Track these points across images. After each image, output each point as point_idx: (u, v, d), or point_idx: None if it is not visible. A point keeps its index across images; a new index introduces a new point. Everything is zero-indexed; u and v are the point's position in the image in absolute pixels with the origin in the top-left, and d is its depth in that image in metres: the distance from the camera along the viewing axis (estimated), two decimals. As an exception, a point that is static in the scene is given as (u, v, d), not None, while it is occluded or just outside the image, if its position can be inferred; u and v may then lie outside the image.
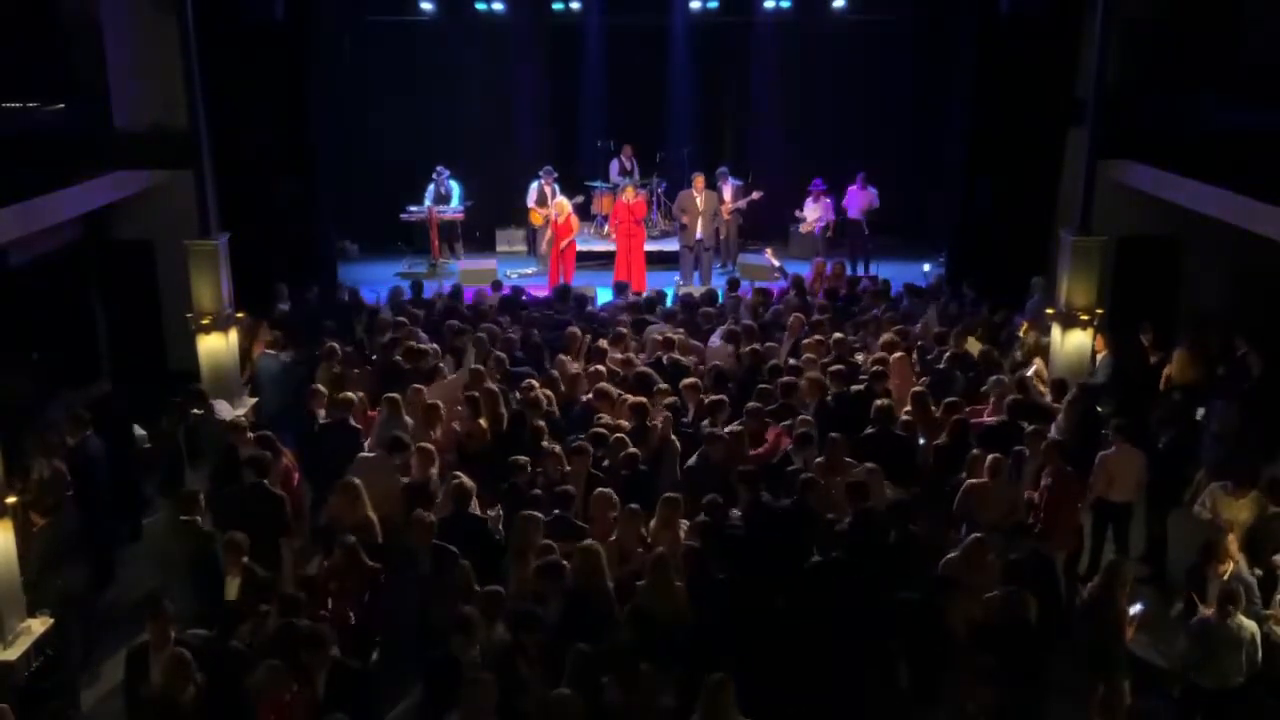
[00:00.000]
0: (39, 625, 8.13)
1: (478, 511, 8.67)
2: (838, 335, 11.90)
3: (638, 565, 7.93)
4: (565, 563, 7.70)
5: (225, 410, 11.12)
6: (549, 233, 16.80)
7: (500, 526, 8.78)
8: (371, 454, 9.44)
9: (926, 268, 17.20)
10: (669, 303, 14.08)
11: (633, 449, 9.26)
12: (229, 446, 9.91)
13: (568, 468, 9.11)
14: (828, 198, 17.44)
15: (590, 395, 10.45)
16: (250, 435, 9.90)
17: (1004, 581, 7.74)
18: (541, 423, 9.80)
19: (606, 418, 9.97)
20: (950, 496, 9.12)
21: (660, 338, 11.83)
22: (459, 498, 8.57)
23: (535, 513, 8.22)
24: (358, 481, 8.67)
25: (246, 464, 9.17)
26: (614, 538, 8.19)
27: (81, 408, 10.60)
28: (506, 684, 6.56)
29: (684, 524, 8.43)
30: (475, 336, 11.80)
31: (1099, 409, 11.13)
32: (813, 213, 17.43)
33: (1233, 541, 8.32)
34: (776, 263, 16.26)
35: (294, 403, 11.27)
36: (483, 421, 10.02)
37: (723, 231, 17.43)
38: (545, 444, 9.38)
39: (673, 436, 9.66)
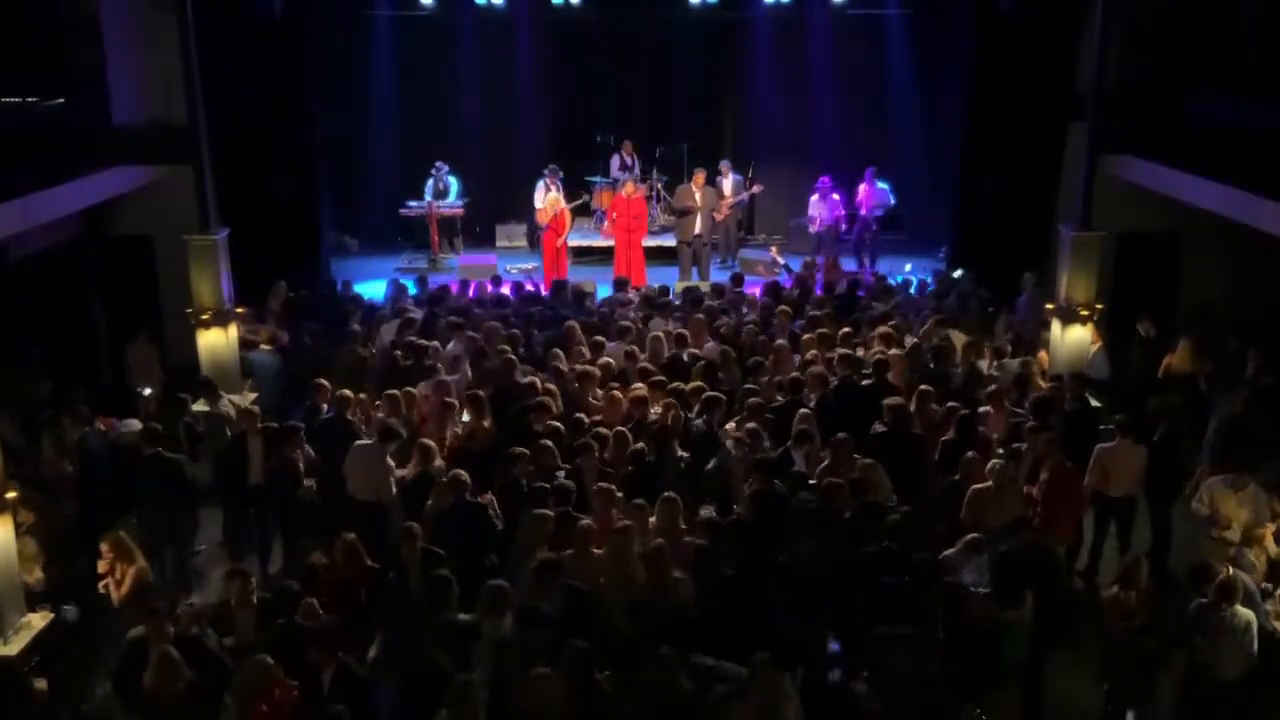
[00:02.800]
0: (39, 620, 8.15)
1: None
2: (844, 330, 11.88)
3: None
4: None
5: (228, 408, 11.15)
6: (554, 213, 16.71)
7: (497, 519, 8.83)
8: (366, 442, 9.51)
9: (908, 267, 17.20)
10: (669, 297, 14.04)
11: (637, 445, 9.31)
12: (239, 435, 9.97)
13: (563, 462, 9.14)
14: (835, 194, 17.38)
15: (577, 385, 10.51)
16: (260, 425, 9.98)
17: (996, 576, 7.77)
18: (547, 421, 9.84)
19: (597, 407, 10.05)
20: (950, 490, 9.13)
21: (671, 333, 11.83)
22: (457, 488, 8.62)
23: (545, 511, 8.26)
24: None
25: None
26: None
27: (82, 403, 10.65)
28: (506, 681, 6.58)
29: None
30: (468, 335, 11.80)
31: (1094, 403, 11.15)
32: (820, 210, 17.28)
33: (1268, 532, 8.36)
34: (781, 260, 16.25)
35: (292, 397, 11.31)
36: (486, 422, 10.03)
37: (719, 227, 17.40)
38: (545, 441, 9.38)
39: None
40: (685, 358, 11.33)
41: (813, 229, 17.39)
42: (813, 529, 8.22)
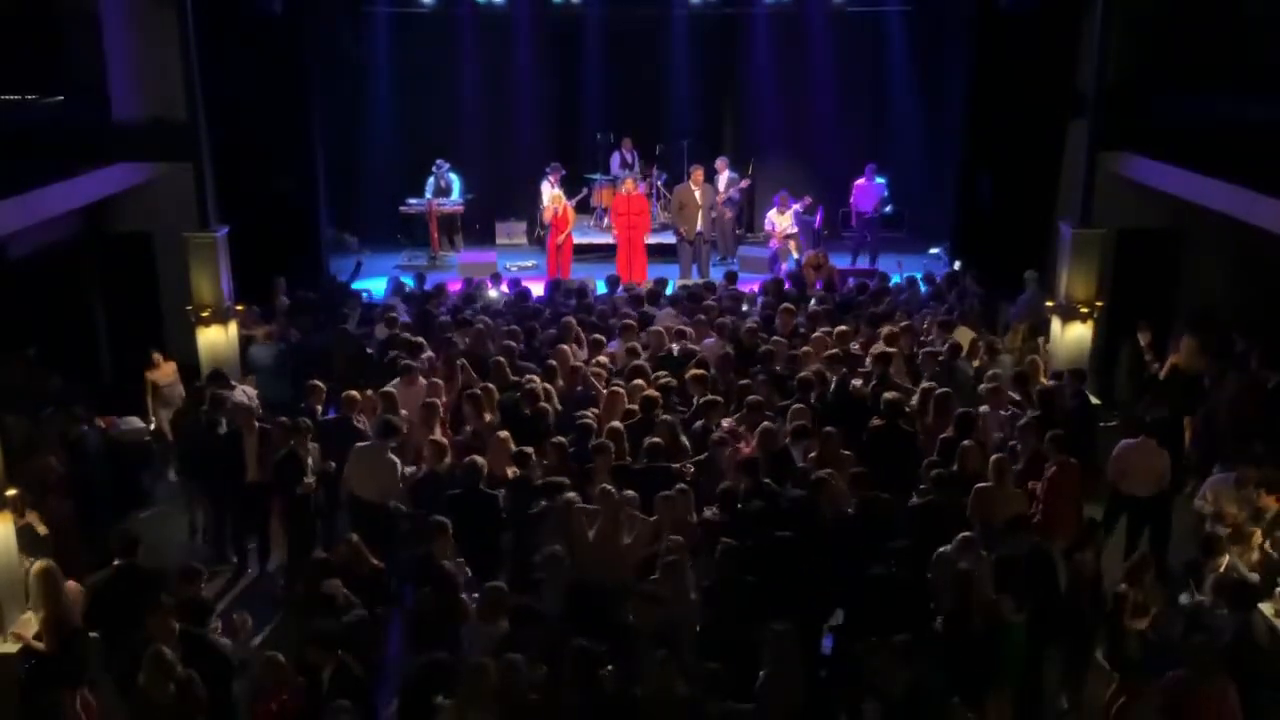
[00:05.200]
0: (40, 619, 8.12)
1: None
2: (842, 328, 11.87)
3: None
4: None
5: (241, 396, 11.16)
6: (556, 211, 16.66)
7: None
8: (366, 443, 9.52)
9: (934, 250, 17.20)
10: (669, 290, 14.05)
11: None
12: (234, 431, 10.03)
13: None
14: (798, 205, 17.20)
15: (581, 387, 10.54)
16: (257, 424, 9.98)
17: (996, 578, 7.77)
18: (546, 407, 9.96)
19: (598, 410, 10.09)
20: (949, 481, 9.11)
21: (671, 328, 11.83)
22: (470, 474, 8.68)
23: (553, 503, 8.33)
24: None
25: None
26: (655, 517, 8.36)
27: (76, 403, 10.65)
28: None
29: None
30: (474, 331, 11.81)
31: (1094, 400, 11.16)
32: (782, 221, 17.06)
33: (1258, 533, 8.36)
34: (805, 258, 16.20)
35: (290, 392, 11.33)
36: (488, 416, 10.04)
37: (716, 224, 17.36)
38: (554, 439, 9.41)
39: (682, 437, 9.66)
40: (676, 351, 11.35)
41: (775, 244, 17.16)
42: (796, 525, 8.23)
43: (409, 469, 9.61)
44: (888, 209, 17.40)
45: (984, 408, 10.28)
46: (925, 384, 10.43)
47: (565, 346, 11.32)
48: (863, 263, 17.25)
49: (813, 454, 9.32)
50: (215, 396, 10.47)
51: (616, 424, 9.56)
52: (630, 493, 8.56)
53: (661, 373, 10.73)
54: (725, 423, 9.83)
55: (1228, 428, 10.82)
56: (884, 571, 7.81)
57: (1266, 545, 8.63)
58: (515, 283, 14.36)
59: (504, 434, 9.36)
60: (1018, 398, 10.55)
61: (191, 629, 7.19)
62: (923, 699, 6.74)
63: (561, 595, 7.50)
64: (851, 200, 17.56)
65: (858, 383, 10.60)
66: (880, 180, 17.40)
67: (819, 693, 7.40)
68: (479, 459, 8.84)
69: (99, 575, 8.11)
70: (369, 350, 11.97)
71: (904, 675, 6.74)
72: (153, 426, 11.67)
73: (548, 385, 10.46)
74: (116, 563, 8.04)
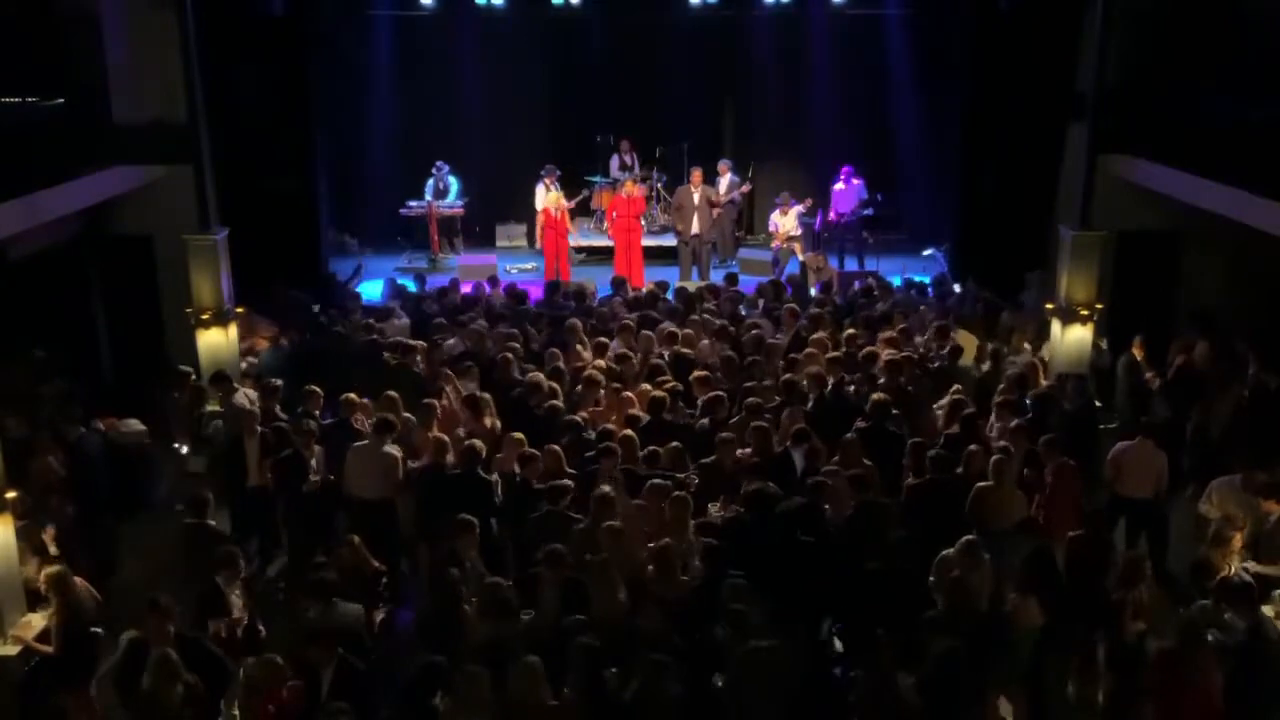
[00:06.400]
0: (39, 620, 8.13)
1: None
2: (850, 331, 11.86)
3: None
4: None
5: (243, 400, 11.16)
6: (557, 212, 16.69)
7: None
8: (362, 443, 9.55)
9: (928, 251, 17.19)
10: (670, 294, 14.05)
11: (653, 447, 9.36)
12: (236, 436, 9.98)
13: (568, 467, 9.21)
14: (801, 207, 17.19)
15: (579, 387, 10.55)
16: (259, 428, 9.96)
17: (1020, 579, 7.79)
18: (559, 405, 10.06)
19: (596, 409, 10.16)
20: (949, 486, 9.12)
21: (665, 332, 11.84)
22: (470, 457, 8.80)
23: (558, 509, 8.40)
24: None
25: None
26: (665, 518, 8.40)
27: (75, 405, 10.65)
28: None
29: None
30: (471, 330, 11.82)
31: (1093, 402, 11.15)
32: (786, 223, 17.07)
33: (1238, 538, 8.36)
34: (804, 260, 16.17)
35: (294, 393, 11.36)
36: (488, 420, 10.04)
37: (715, 227, 17.35)
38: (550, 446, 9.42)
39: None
40: (666, 357, 11.36)
41: (778, 245, 17.13)
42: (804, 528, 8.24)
43: (414, 465, 9.63)
44: (867, 211, 17.34)
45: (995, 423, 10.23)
46: (955, 397, 10.39)
47: (558, 349, 11.33)
48: (850, 265, 17.22)
49: (836, 458, 9.31)
50: (226, 392, 10.56)
51: (629, 432, 9.56)
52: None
53: (665, 377, 10.74)
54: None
55: (1228, 431, 10.80)
56: (883, 568, 7.82)
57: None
58: (510, 286, 14.37)
59: (518, 435, 9.39)
60: (1030, 404, 10.53)
61: (188, 632, 7.20)
62: (953, 669, 6.77)
63: (558, 593, 7.50)
64: (832, 205, 17.53)
65: (853, 386, 10.61)
66: (857, 182, 17.37)
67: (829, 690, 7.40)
68: (478, 443, 8.97)
69: (177, 525, 8.88)
70: (367, 353, 11.97)
71: (934, 648, 6.77)
72: (184, 450, 11.66)
73: (554, 385, 10.48)
74: (188, 521, 8.71)
